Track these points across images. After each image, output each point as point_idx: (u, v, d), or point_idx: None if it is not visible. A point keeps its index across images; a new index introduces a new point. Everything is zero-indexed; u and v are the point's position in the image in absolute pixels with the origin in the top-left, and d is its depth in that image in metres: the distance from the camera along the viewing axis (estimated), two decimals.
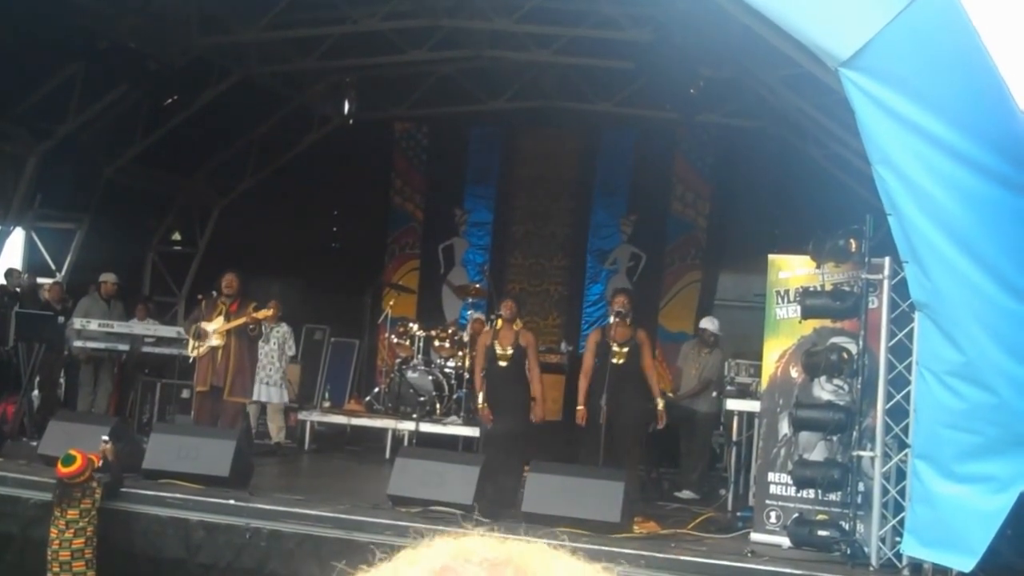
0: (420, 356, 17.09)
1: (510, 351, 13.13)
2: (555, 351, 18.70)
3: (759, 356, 11.88)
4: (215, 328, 13.72)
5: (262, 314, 13.92)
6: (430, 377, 16.64)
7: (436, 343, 17.21)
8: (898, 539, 9.49)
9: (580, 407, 13.16)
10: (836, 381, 10.44)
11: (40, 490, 11.23)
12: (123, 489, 11.45)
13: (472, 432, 15.26)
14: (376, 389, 17.88)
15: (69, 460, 10.72)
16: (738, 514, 12.56)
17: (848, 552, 9.85)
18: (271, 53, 18.10)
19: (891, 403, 9.56)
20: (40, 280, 18.41)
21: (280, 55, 18.15)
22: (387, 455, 15.45)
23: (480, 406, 13.34)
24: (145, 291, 20.58)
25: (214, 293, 14.06)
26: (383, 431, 16.34)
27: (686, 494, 14.26)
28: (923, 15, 8.29)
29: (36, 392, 16.37)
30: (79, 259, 19.33)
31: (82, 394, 16.63)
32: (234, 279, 13.94)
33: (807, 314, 10.38)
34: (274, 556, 10.87)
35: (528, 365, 13.41)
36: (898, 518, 9.51)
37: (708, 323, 15.46)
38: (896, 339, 9.53)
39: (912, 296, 8.84)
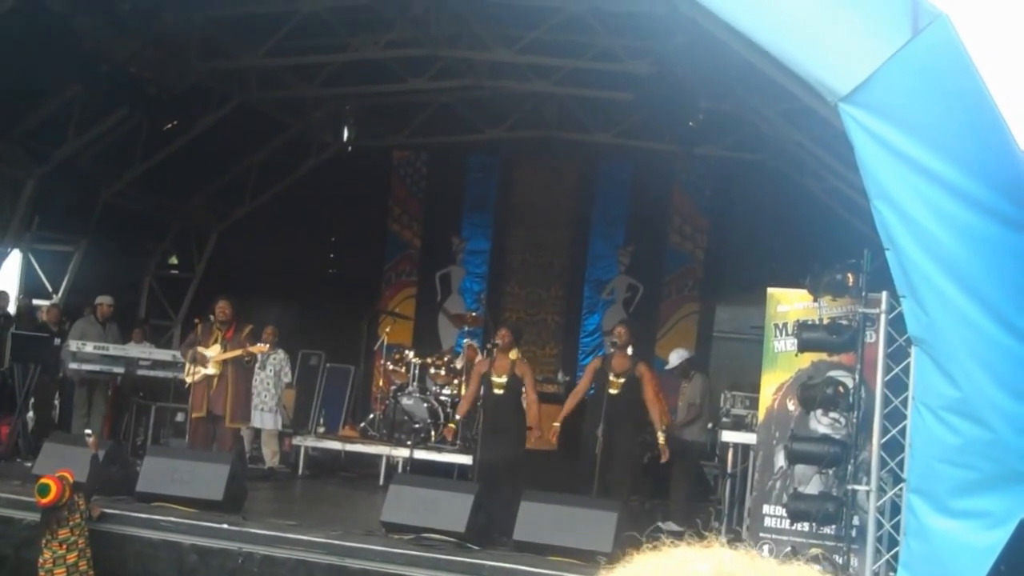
0: (415, 383, 17.10)
1: (505, 379, 13.15)
2: (552, 381, 18.69)
3: (756, 388, 11.88)
4: (212, 356, 13.78)
5: (257, 349, 14.08)
6: (425, 404, 16.63)
7: (432, 371, 17.22)
8: (892, 574, 9.47)
9: (555, 423, 13.27)
10: (832, 415, 10.45)
11: (34, 511, 11.21)
12: (116, 512, 11.45)
13: (467, 460, 15.23)
14: (371, 415, 17.84)
15: (44, 490, 10.76)
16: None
17: None
18: (271, 79, 18.15)
19: (886, 437, 9.54)
20: (36, 302, 18.42)
21: (280, 81, 18.19)
22: (381, 482, 15.44)
23: (450, 425, 13.42)
24: (141, 314, 20.59)
25: (211, 317, 14.12)
26: (377, 457, 16.32)
27: (669, 525, 14.22)
28: (924, 51, 8.33)
29: (31, 413, 16.35)
30: (76, 281, 19.32)
31: (76, 416, 16.59)
32: (227, 306, 14.06)
33: (804, 347, 10.39)
34: None
35: (524, 393, 13.45)
36: (892, 552, 9.49)
37: (670, 358, 15.57)
38: (892, 373, 9.52)
39: (909, 331, 8.84)
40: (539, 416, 13.68)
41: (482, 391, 13.41)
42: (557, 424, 13.34)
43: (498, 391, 13.20)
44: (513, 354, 13.46)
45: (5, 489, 12.18)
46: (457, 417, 13.83)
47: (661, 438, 13.33)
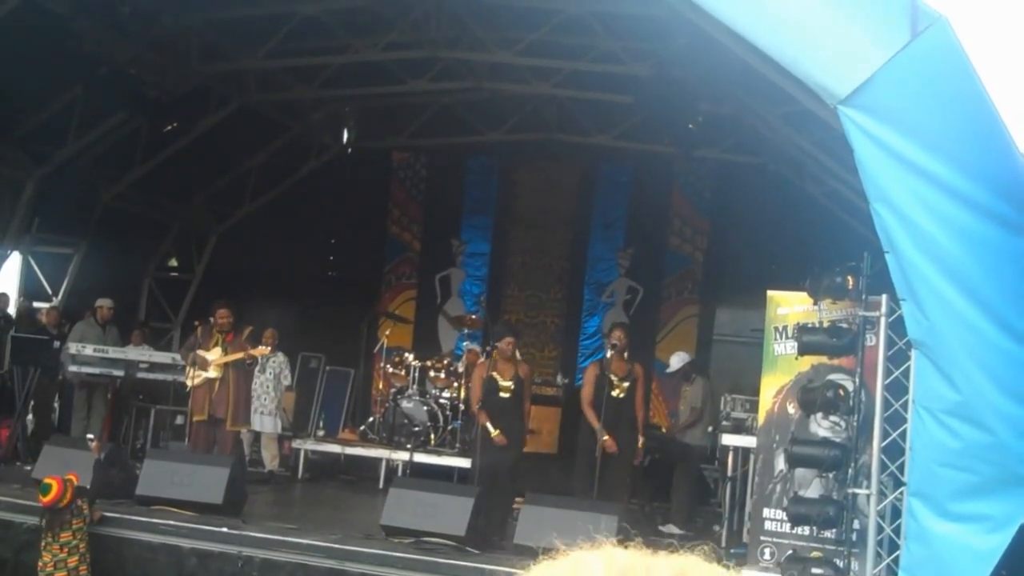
0: (415, 386, 17.07)
1: (511, 383, 13.11)
2: (551, 383, 18.68)
3: (755, 391, 11.85)
4: (213, 359, 13.77)
5: (259, 351, 14.08)
6: (425, 407, 16.61)
7: (431, 373, 17.20)
8: None
9: (606, 437, 12.90)
10: (832, 418, 10.42)
11: (33, 515, 11.21)
12: (115, 515, 11.43)
13: (467, 463, 15.22)
14: (371, 418, 17.84)
15: (46, 489, 10.80)
16: (732, 550, 12.53)
17: None
18: (271, 81, 18.14)
19: (887, 441, 9.53)
20: (36, 304, 18.40)
21: (280, 83, 18.19)
22: (381, 485, 15.42)
23: (495, 433, 13.10)
24: (141, 317, 20.56)
25: (211, 319, 14.10)
26: (377, 461, 16.29)
27: (670, 528, 14.19)
28: (923, 54, 8.31)
29: (30, 416, 16.33)
30: (76, 284, 19.31)
31: (75, 419, 16.58)
32: (227, 313, 14.04)
33: (804, 350, 10.37)
34: None
35: (523, 396, 13.42)
36: (892, 556, 9.47)
37: (671, 361, 15.58)
38: (892, 377, 9.50)
39: (909, 334, 8.83)
40: (528, 422, 13.80)
41: (484, 393, 13.34)
42: (608, 438, 13.05)
43: (504, 395, 13.15)
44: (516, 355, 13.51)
45: (4, 493, 12.17)
46: (487, 423, 13.41)
47: (640, 440, 13.36)
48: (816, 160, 14.31)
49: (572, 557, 1.67)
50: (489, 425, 13.00)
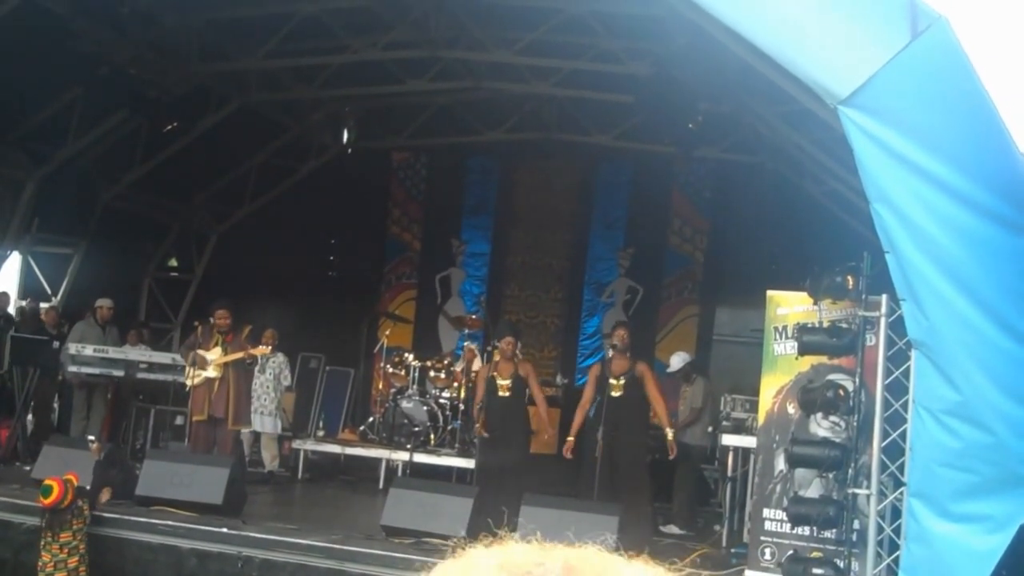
0: (415, 386, 17.06)
1: (509, 381, 13.10)
2: (551, 384, 18.65)
3: (755, 391, 11.83)
4: (213, 359, 13.75)
5: (259, 351, 14.07)
6: (425, 407, 16.60)
7: (431, 373, 17.19)
8: None
9: (570, 438, 13.12)
10: (832, 418, 10.40)
11: (33, 515, 11.21)
12: (115, 516, 11.43)
13: (466, 463, 15.23)
14: (371, 419, 17.83)
15: (47, 490, 10.81)
16: (732, 550, 12.53)
17: None
18: (271, 81, 18.14)
19: (887, 441, 9.52)
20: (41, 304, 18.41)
21: (279, 83, 18.18)
22: (381, 485, 15.42)
23: (477, 425, 13.16)
24: (141, 317, 20.55)
25: (211, 320, 14.09)
26: (377, 461, 16.27)
27: (671, 529, 14.19)
28: (923, 54, 8.30)
29: (30, 417, 16.32)
30: (75, 284, 19.31)
31: (75, 420, 16.57)
32: (226, 314, 14.02)
33: (804, 350, 10.36)
34: None
35: (531, 394, 13.39)
36: (892, 556, 9.46)
37: (672, 361, 15.54)
38: (892, 377, 9.49)
39: (909, 334, 8.81)
40: (548, 416, 13.74)
41: (485, 394, 13.34)
42: (572, 439, 13.20)
43: (504, 394, 13.14)
44: (516, 355, 13.48)
45: (4, 493, 12.17)
46: (480, 429, 13.48)
47: (670, 434, 13.22)
48: (816, 160, 14.29)
49: (468, 554, 1.69)
50: (478, 425, 13.12)
